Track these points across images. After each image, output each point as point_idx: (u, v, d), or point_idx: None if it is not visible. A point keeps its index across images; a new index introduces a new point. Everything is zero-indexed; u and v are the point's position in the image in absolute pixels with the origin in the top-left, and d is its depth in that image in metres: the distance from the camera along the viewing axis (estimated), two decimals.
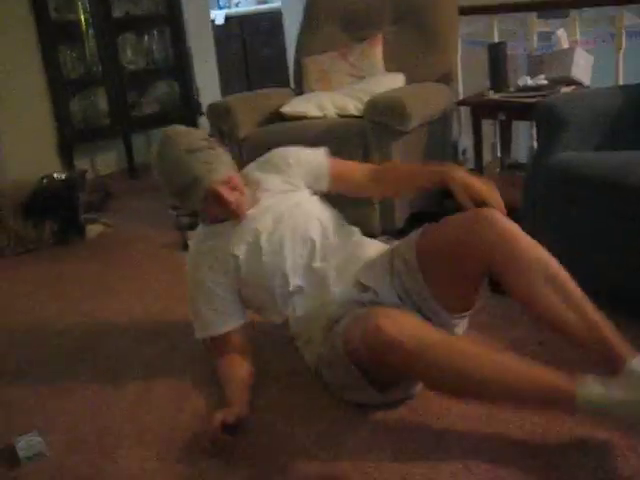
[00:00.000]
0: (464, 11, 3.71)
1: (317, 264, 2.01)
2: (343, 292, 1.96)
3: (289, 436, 1.81)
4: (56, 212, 3.59)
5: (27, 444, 1.84)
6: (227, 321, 2.05)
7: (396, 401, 1.88)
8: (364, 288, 1.94)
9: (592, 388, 1.49)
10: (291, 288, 1.98)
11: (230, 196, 1.97)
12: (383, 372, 1.77)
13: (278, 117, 3.53)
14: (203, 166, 1.93)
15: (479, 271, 1.81)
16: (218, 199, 1.97)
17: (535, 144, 3.68)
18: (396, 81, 3.51)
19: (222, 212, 2.02)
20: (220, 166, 1.97)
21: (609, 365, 1.57)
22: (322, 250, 2.02)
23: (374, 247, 2.12)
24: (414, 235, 1.94)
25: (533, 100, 3.05)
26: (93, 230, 3.74)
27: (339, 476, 1.63)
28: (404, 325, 1.65)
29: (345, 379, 1.85)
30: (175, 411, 1.98)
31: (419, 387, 1.88)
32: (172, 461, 1.76)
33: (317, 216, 2.08)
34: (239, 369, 2.02)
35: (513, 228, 1.75)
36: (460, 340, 1.67)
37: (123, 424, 1.94)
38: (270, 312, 2.08)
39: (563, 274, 1.69)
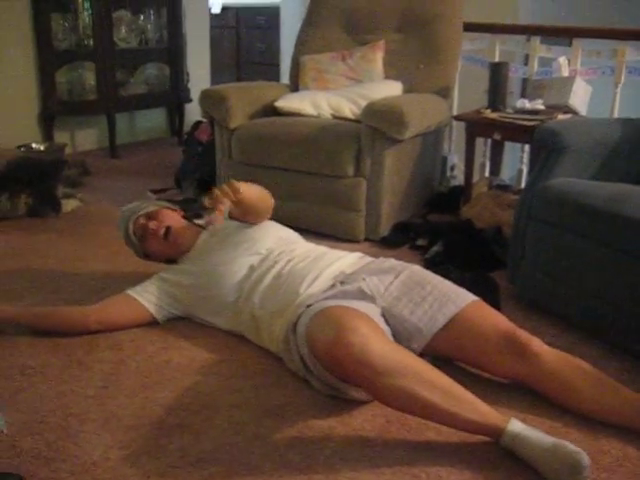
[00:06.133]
0: (468, 28, 3.69)
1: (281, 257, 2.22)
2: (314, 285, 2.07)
3: (260, 437, 1.74)
4: (34, 185, 3.47)
5: None
6: (146, 300, 2.27)
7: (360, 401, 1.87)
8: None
9: (519, 429, 1.63)
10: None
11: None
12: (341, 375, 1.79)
13: (271, 111, 3.47)
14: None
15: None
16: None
17: (524, 167, 3.68)
18: (394, 89, 3.48)
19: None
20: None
21: None
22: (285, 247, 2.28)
23: (341, 254, 2.28)
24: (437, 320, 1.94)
25: (531, 123, 3.04)
26: (68, 204, 3.63)
27: None
28: (374, 345, 1.65)
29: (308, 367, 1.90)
30: (143, 400, 1.90)
31: None
32: (138, 452, 1.68)
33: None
34: (73, 312, 2.29)
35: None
36: (427, 370, 1.67)
37: (88, 407, 1.86)
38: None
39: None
